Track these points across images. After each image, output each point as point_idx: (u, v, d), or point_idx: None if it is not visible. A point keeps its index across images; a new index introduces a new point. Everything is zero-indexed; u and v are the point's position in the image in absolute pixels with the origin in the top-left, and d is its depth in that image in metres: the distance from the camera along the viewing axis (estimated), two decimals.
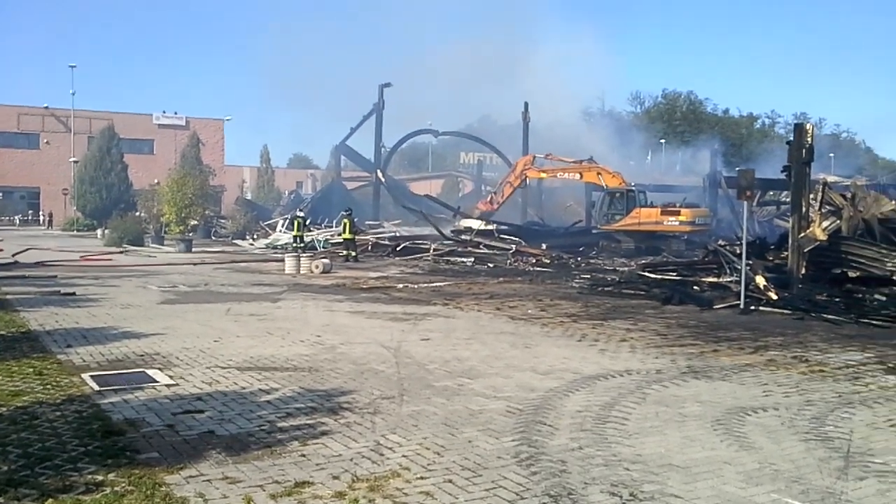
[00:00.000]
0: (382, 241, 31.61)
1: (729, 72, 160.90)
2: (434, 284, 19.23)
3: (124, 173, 55.43)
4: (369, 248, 30.77)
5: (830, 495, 5.16)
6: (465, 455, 5.88)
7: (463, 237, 30.43)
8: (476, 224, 32.37)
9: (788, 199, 22.28)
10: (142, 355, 9.61)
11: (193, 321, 12.59)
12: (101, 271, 22.15)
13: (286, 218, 41.52)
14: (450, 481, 5.33)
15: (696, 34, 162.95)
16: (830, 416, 7.15)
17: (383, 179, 47.49)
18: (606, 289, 18.37)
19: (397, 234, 33.30)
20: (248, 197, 63.67)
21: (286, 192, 64.45)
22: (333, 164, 58.25)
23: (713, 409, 7.38)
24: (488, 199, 38.98)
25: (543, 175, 36.47)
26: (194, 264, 25.22)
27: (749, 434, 6.56)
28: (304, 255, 24.65)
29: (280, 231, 38.72)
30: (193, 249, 32.65)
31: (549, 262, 26.29)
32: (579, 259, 27.79)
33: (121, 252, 31.21)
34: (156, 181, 47.89)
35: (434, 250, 28.20)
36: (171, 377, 8.39)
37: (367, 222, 38.83)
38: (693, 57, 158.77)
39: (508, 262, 26.24)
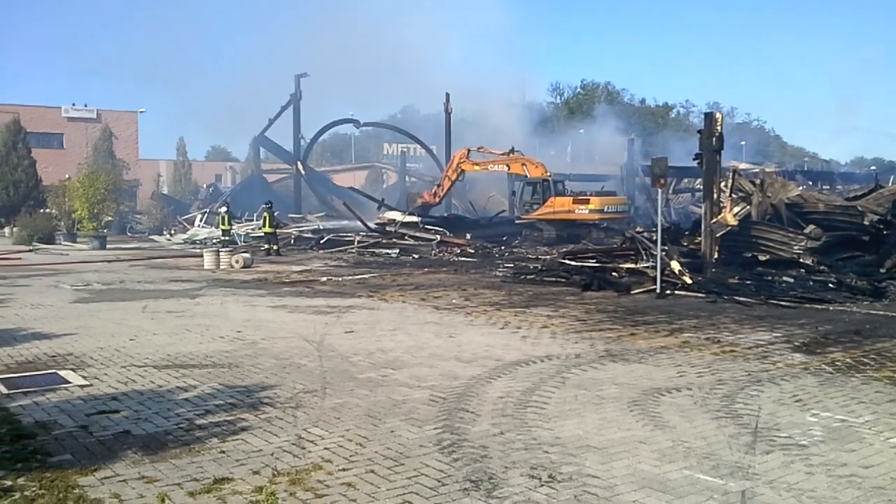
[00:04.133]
0: (305, 235, 31.27)
1: (645, 63, 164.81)
2: (359, 277, 19.15)
3: (32, 169, 53.03)
4: (292, 241, 30.40)
5: (739, 469, 5.39)
6: (387, 445, 5.90)
7: (388, 229, 30.35)
8: (400, 216, 32.33)
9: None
10: (53, 356, 9.28)
11: (108, 320, 12.22)
12: (10, 271, 21.25)
13: (204, 212, 40.61)
14: (372, 471, 5.34)
15: (612, 25, 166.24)
16: (740, 395, 7.45)
17: (303, 171, 46.90)
18: (529, 277, 18.62)
19: (321, 227, 32.96)
20: (165, 191, 61.89)
21: (204, 186, 62.88)
22: (253, 156, 57.18)
23: (630, 390, 7.59)
24: (432, 191, 39.20)
25: (477, 168, 36.85)
26: (109, 261, 24.44)
27: (663, 414, 6.77)
28: (224, 249, 24.14)
29: (198, 226, 37.85)
30: (108, 246, 31.63)
31: (473, 251, 26.48)
32: (503, 248, 28.08)
33: (31, 250, 30.01)
34: (67, 176, 46.10)
35: (359, 242, 28.05)
36: (84, 378, 8.13)
37: (289, 215, 38.32)
38: (610, 48, 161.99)
39: (433, 252, 26.32)
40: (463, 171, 36.61)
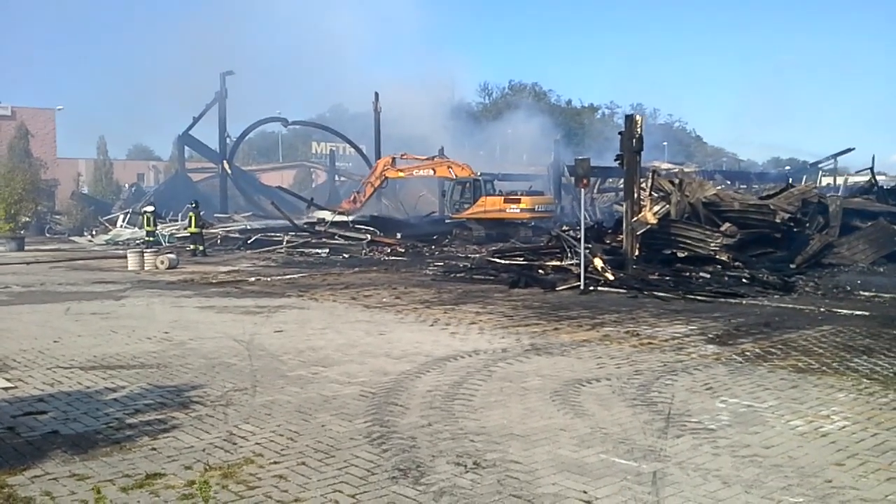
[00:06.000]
0: (232, 235, 30.89)
1: (571, 65, 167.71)
2: (288, 276, 19.11)
3: None
4: (218, 241, 30.01)
5: (651, 452, 5.74)
6: (318, 439, 6.05)
7: (317, 228, 30.26)
8: (330, 215, 32.27)
9: None
10: None
11: (30, 322, 11.96)
12: None
13: (127, 212, 39.63)
14: (303, 464, 5.49)
15: (540, 26, 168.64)
16: (656, 384, 7.86)
17: (229, 170, 46.23)
18: (458, 275, 18.92)
19: (248, 227, 32.60)
20: (85, 191, 59.99)
21: (126, 185, 61.21)
22: (177, 155, 55.95)
23: (552, 382, 7.92)
24: (351, 198, 39.19)
25: (402, 174, 37.19)
26: (27, 263, 23.71)
27: (583, 403, 7.11)
28: (149, 250, 23.70)
29: (121, 226, 36.93)
30: (26, 248, 30.61)
31: (403, 251, 26.67)
32: (433, 247, 28.35)
33: None
34: None
35: (287, 242, 27.90)
36: (8, 380, 8.01)
37: (215, 215, 37.72)
38: (537, 49, 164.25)
39: (364, 252, 26.39)
40: (387, 178, 36.96)
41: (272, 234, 29.71)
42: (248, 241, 29.08)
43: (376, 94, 48.46)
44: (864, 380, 7.97)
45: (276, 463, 5.50)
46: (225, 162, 46.44)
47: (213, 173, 52.36)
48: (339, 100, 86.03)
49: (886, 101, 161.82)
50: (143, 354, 9.43)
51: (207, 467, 5.37)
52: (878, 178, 51.51)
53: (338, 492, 4.97)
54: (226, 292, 15.96)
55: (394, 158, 37.00)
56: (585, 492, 4.97)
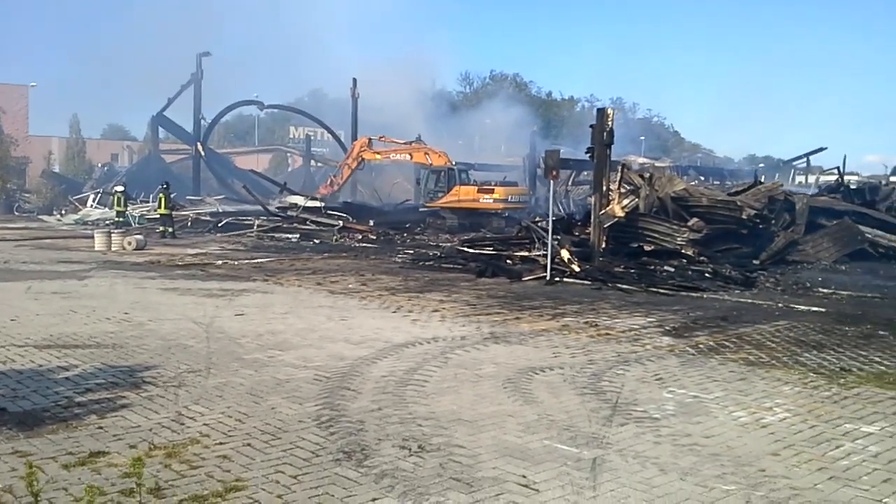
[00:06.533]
0: (203, 218, 30.68)
1: (553, 56, 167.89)
2: (256, 261, 19.05)
3: None
4: (189, 224, 29.80)
5: (595, 439, 5.84)
6: (266, 421, 6.09)
7: (289, 213, 30.14)
8: (303, 200, 32.14)
9: None
10: None
11: None
12: None
13: (98, 192, 39.21)
14: (249, 445, 5.53)
15: (523, 17, 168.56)
16: (608, 373, 7.97)
17: (203, 152, 45.84)
18: (427, 263, 18.97)
19: (220, 210, 32.39)
20: (56, 169, 59.21)
21: (99, 165, 60.47)
22: (151, 135, 55.34)
23: (507, 369, 8.01)
24: (328, 181, 39.01)
25: (378, 157, 36.99)
26: None
27: (534, 390, 7.21)
28: (117, 231, 23.49)
29: (91, 206, 36.54)
30: None
31: (375, 238, 26.66)
32: (405, 235, 28.36)
33: None
34: None
35: (258, 226, 27.78)
36: None
37: (187, 197, 37.42)
38: (520, 40, 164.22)
39: (335, 238, 26.35)
40: (363, 159, 36.76)
41: (243, 217, 29.52)
42: (219, 225, 28.91)
43: (354, 80, 48.27)
44: (811, 374, 8.14)
45: (221, 444, 5.53)
46: (199, 144, 46.00)
47: (186, 155, 51.84)
48: (319, 84, 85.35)
49: (865, 102, 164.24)
50: (100, 335, 9.39)
51: (152, 447, 5.39)
52: (850, 177, 52.25)
53: (280, 472, 5.02)
54: (191, 275, 15.88)
55: (370, 139, 36.85)
56: (525, 476, 5.06)
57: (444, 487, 4.83)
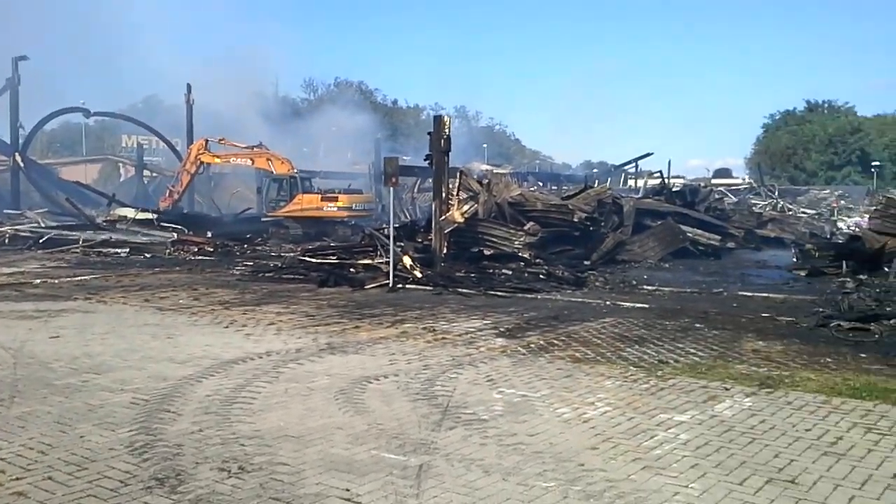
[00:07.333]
0: (23, 234, 28.42)
1: (397, 65, 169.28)
2: (79, 278, 17.82)
3: None
4: (6, 241, 27.53)
5: (423, 445, 5.82)
6: (72, 451, 5.64)
7: (118, 227, 28.49)
8: (132, 212, 30.51)
9: None
10: None
11: None
12: None
13: None
14: (49, 478, 5.08)
15: (366, 25, 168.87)
16: (441, 378, 8.01)
17: (22, 164, 42.60)
18: (267, 275, 18.46)
19: (41, 225, 30.13)
20: None
21: None
22: None
23: (340, 380, 7.87)
24: (167, 193, 37.20)
25: (217, 160, 35.66)
26: None
27: (366, 400, 7.11)
28: None
29: None
30: None
31: (212, 250, 25.69)
32: (245, 246, 27.53)
33: None
34: None
35: (84, 241, 26.05)
36: None
37: (4, 211, 34.62)
38: (364, 48, 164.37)
39: (168, 251, 25.15)
40: (202, 163, 35.42)
41: (68, 232, 27.60)
42: (40, 241, 26.87)
43: (189, 86, 46.56)
44: (632, 368, 8.55)
45: (17, 479, 5.05)
46: (17, 154, 42.70)
47: (4, 167, 48.01)
48: (154, 90, 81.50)
49: (690, 109, 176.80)
50: None
51: None
52: (676, 180, 55.90)
53: None
54: (3, 296, 14.61)
55: (207, 141, 35.52)
56: (348, 489, 4.95)
57: None
